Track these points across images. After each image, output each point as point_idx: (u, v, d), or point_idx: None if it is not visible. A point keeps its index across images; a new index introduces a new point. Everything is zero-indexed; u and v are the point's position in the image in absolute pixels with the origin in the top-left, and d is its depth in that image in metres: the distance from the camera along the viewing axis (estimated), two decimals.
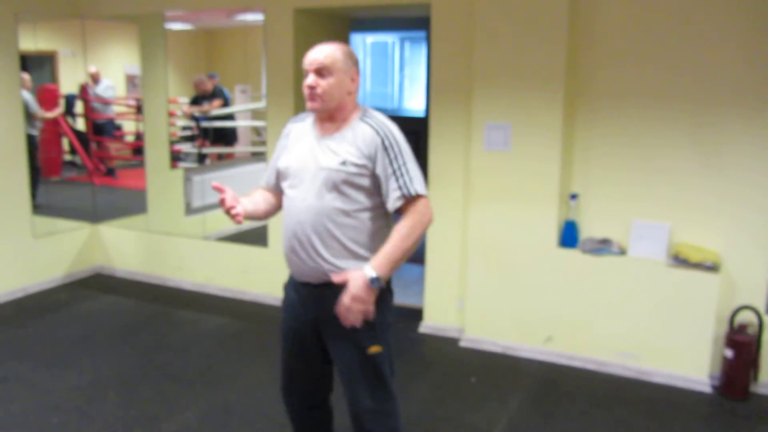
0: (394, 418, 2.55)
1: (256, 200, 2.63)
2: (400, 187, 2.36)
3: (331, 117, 2.46)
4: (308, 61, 2.42)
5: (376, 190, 2.42)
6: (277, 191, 2.66)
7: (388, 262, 2.33)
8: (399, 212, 2.42)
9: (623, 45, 4.03)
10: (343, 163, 2.38)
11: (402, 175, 2.37)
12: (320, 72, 2.39)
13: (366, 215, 2.43)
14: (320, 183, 2.40)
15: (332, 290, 2.39)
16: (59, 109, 6.52)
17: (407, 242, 2.35)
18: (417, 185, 2.38)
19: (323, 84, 2.38)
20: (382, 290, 2.42)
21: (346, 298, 2.32)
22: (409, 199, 2.37)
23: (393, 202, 2.38)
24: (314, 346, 2.57)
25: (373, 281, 2.31)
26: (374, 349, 2.45)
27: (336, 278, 2.37)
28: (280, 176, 2.58)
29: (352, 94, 2.47)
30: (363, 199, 2.42)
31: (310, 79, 2.40)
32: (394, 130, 2.45)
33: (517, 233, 4.29)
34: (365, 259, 2.41)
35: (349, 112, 2.47)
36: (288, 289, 2.64)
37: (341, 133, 2.44)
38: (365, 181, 2.40)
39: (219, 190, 2.42)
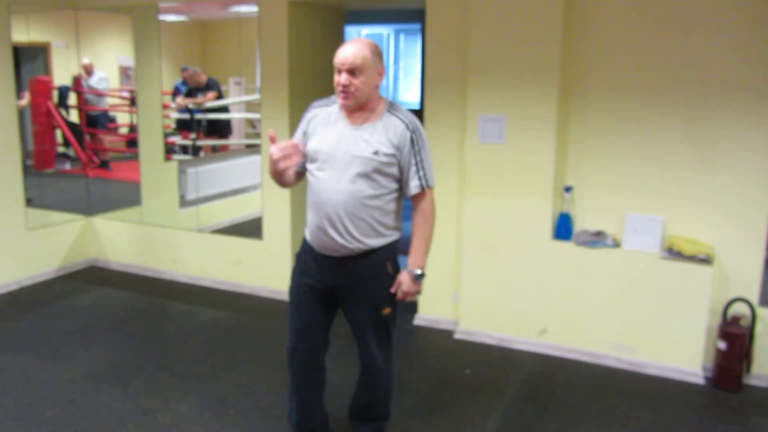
0: (392, 365, 3.01)
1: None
2: (420, 178, 2.74)
3: (360, 108, 2.71)
4: (340, 61, 2.63)
5: (398, 176, 2.75)
6: (299, 170, 2.90)
7: (424, 255, 2.82)
8: (410, 197, 2.81)
9: (618, 38, 4.02)
10: (376, 152, 2.67)
11: (422, 168, 2.74)
12: (352, 71, 2.61)
13: (389, 198, 2.76)
14: (354, 169, 2.67)
15: (354, 261, 2.77)
16: (27, 99, 6.45)
17: (431, 234, 2.84)
18: (431, 178, 2.78)
19: (356, 82, 2.62)
20: (395, 265, 2.85)
21: (400, 294, 2.82)
22: (425, 190, 2.76)
23: (412, 190, 2.75)
24: (324, 309, 2.92)
25: (418, 277, 2.81)
26: (387, 311, 2.86)
27: (393, 290, 2.82)
28: (307, 157, 2.80)
29: (378, 88, 2.73)
30: (389, 185, 2.74)
31: (344, 78, 2.62)
32: (420, 125, 2.76)
33: (512, 226, 4.30)
34: (384, 235, 2.78)
35: (377, 103, 2.74)
36: (304, 257, 2.91)
37: (372, 123, 2.71)
38: (393, 169, 2.72)
39: (273, 139, 2.72)
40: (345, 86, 2.62)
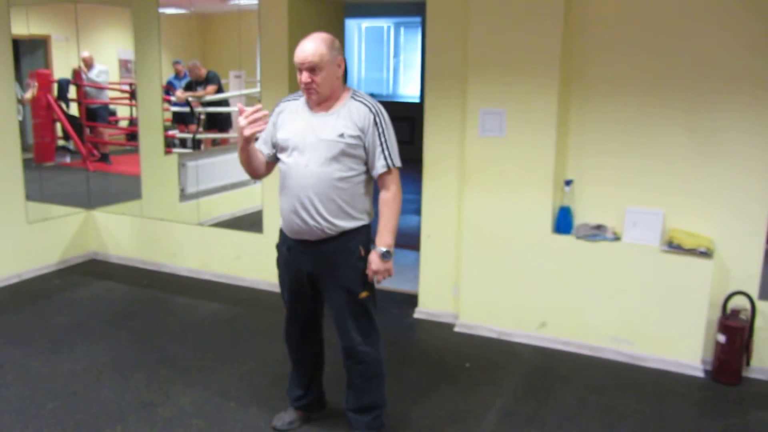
0: (377, 348, 3.05)
1: (257, 150, 3.00)
2: (385, 158, 2.85)
3: (325, 99, 2.85)
4: (299, 61, 2.77)
5: (365, 158, 2.87)
6: (269, 161, 3.04)
7: (390, 234, 2.89)
8: (377, 178, 2.92)
9: (618, 31, 4.01)
10: (341, 135, 2.79)
11: (387, 148, 2.85)
12: (312, 69, 2.75)
13: (357, 180, 2.87)
14: (322, 153, 2.80)
15: (327, 245, 2.89)
16: (30, 93, 6.46)
17: (397, 213, 2.92)
18: (396, 158, 2.89)
19: (317, 79, 2.76)
20: (369, 249, 2.92)
21: (370, 273, 2.90)
22: (390, 170, 2.86)
23: (379, 170, 2.86)
24: (309, 293, 3.05)
25: (385, 255, 2.88)
26: (364, 294, 2.95)
27: (368, 270, 2.91)
28: (277, 147, 2.95)
29: (340, 78, 2.86)
30: (356, 167, 2.85)
31: (305, 76, 2.77)
32: (383, 108, 2.89)
33: (512, 219, 4.30)
34: (355, 218, 2.89)
35: (341, 92, 2.88)
36: (281, 247, 3.07)
37: (336, 109, 2.85)
38: (359, 151, 2.83)
39: (242, 111, 2.77)
40: (307, 84, 2.77)
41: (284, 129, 2.91)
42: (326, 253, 2.90)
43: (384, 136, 2.84)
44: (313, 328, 3.20)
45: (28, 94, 6.29)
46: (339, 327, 3.01)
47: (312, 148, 2.81)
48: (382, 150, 2.84)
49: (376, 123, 2.83)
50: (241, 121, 2.77)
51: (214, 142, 6.81)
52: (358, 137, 2.81)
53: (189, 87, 6.41)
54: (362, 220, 2.93)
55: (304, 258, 2.95)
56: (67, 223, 5.93)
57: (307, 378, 3.27)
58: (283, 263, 3.08)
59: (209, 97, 6.38)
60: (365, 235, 2.94)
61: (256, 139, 2.92)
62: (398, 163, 2.88)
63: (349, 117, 2.82)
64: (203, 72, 6.32)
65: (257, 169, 3.02)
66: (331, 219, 2.84)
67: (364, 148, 2.84)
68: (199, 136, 6.57)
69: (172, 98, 6.42)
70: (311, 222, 2.84)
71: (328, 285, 2.97)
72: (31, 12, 5.75)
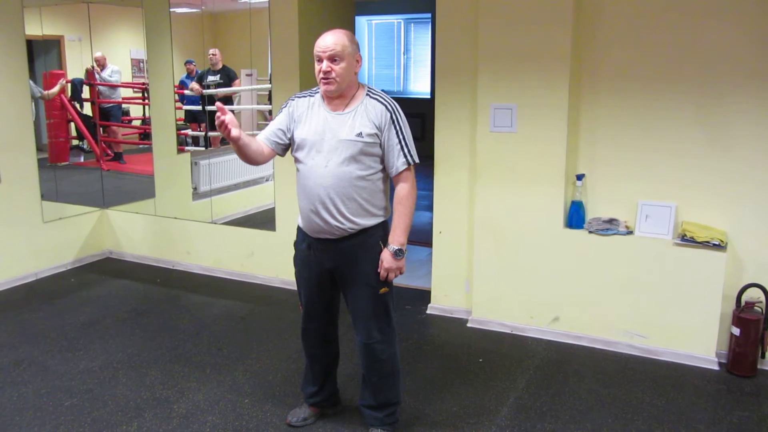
0: (393, 346, 3.08)
1: (252, 140, 2.89)
2: (405, 155, 2.84)
3: (341, 95, 2.85)
4: (321, 49, 2.77)
5: (383, 156, 2.86)
6: (272, 149, 2.96)
7: (403, 232, 2.88)
8: (395, 175, 2.90)
9: (629, 26, 4.00)
10: (359, 134, 2.79)
11: (406, 145, 2.85)
12: (333, 58, 2.75)
13: (376, 177, 2.88)
14: (341, 153, 2.79)
15: (348, 242, 2.90)
16: (59, 87, 6.51)
17: (411, 210, 2.90)
18: (415, 155, 2.88)
19: (337, 69, 2.76)
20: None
21: (383, 271, 2.90)
22: (409, 166, 2.87)
23: (400, 167, 2.85)
24: (329, 290, 3.08)
25: (397, 253, 2.88)
26: (384, 290, 2.96)
27: (379, 268, 2.90)
28: (293, 144, 2.94)
29: (357, 74, 2.87)
30: (375, 165, 2.86)
31: (325, 65, 2.76)
32: (398, 105, 2.89)
33: (524, 214, 4.30)
34: (375, 215, 2.90)
35: (356, 88, 2.88)
36: (300, 245, 3.06)
37: (353, 108, 2.84)
38: (377, 149, 2.84)
39: (220, 110, 2.63)
40: (326, 73, 2.76)
41: (301, 128, 2.90)
42: (347, 249, 2.91)
43: (402, 133, 2.84)
44: (329, 325, 3.20)
45: (48, 92, 6.35)
46: (358, 324, 3.02)
47: (331, 148, 2.81)
48: (401, 148, 2.83)
49: (393, 120, 2.83)
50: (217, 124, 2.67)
51: (224, 140, 6.83)
52: (375, 135, 2.81)
53: (201, 78, 6.42)
54: (381, 217, 2.94)
55: (326, 255, 2.96)
56: (82, 222, 5.98)
57: (322, 374, 3.28)
58: (301, 261, 3.07)
59: (221, 94, 6.40)
60: (384, 231, 2.95)
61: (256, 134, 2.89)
62: (417, 159, 2.88)
63: (366, 115, 2.81)
64: (220, 61, 6.31)
65: (253, 159, 2.88)
66: (353, 218, 2.85)
67: (381, 146, 2.84)
68: (211, 134, 6.60)
69: (186, 92, 6.44)
70: (333, 222, 2.85)
71: (349, 281, 2.99)
72: (45, 13, 5.79)
